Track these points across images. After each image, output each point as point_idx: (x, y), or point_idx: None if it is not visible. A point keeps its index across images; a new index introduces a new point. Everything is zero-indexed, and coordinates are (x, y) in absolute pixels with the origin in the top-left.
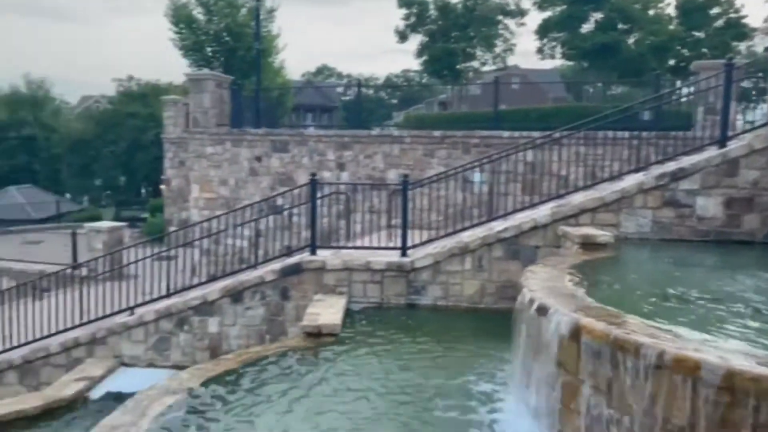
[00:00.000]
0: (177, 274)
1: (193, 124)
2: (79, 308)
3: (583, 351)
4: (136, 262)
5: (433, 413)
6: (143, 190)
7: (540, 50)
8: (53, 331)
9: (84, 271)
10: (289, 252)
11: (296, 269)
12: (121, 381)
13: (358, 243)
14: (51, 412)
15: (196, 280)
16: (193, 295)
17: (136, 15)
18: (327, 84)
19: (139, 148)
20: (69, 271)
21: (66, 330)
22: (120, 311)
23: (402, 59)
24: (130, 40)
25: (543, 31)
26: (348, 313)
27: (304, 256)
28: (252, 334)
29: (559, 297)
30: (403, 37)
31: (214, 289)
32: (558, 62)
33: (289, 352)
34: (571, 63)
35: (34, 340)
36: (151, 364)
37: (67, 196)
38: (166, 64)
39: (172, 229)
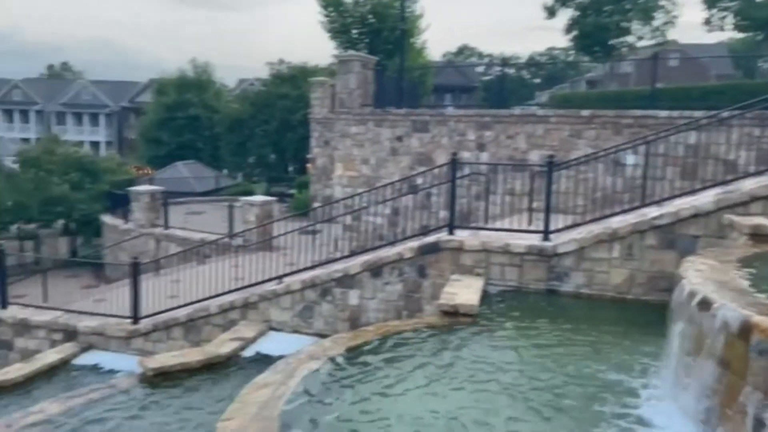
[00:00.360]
0: (321, 247)
1: (339, 105)
2: (234, 274)
3: (751, 350)
4: (284, 234)
5: (569, 401)
6: (290, 168)
7: (707, 21)
8: (212, 294)
9: (239, 241)
10: (426, 231)
11: (434, 248)
12: (269, 344)
13: (497, 225)
14: (210, 366)
15: (338, 254)
16: (336, 268)
17: (289, 2)
18: (468, 63)
19: (288, 128)
20: (226, 240)
21: (223, 294)
22: (270, 279)
23: (547, 36)
24: (282, 25)
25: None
26: (485, 295)
27: (442, 236)
28: (389, 308)
29: (725, 291)
30: (551, 12)
31: (355, 263)
32: (725, 35)
33: (426, 328)
34: (742, 35)
35: (197, 301)
36: (296, 331)
37: (224, 171)
38: (314, 47)
39: (316, 204)
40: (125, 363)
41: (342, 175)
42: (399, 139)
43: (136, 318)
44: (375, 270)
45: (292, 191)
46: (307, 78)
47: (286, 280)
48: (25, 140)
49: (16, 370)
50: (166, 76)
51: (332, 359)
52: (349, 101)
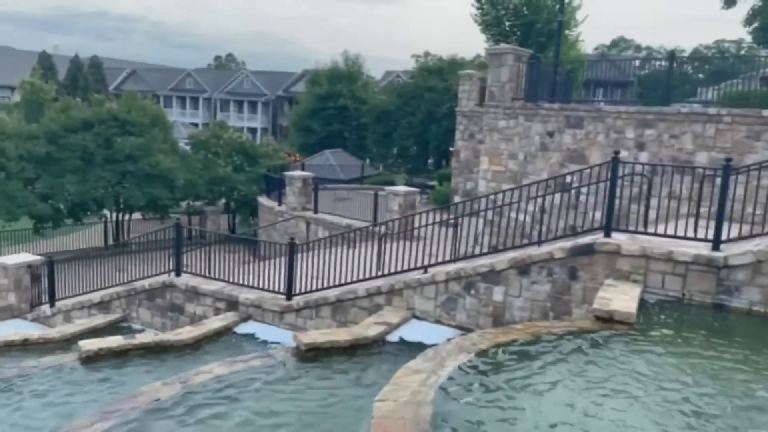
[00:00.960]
0: (461, 241)
1: (489, 98)
2: (379, 261)
3: None
4: (425, 226)
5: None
6: (431, 160)
7: None
8: (358, 278)
9: (382, 229)
10: (576, 232)
11: (588, 250)
12: (412, 331)
13: (657, 230)
14: (356, 346)
15: (477, 249)
16: (482, 263)
17: None
18: (625, 57)
19: (433, 120)
20: (370, 227)
21: (371, 279)
22: (415, 268)
23: (713, 28)
24: (430, 18)
25: None
26: (642, 303)
27: (598, 238)
28: (535, 308)
29: None
30: (729, 2)
31: (502, 260)
32: None
33: (578, 332)
34: None
35: (346, 284)
36: (438, 321)
37: (367, 161)
38: (462, 40)
39: (456, 197)
40: (278, 335)
41: (487, 169)
42: (550, 134)
43: (289, 294)
44: (522, 268)
45: (432, 183)
46: (455, 71)
47: (431, 270)
48: (194, 125)
49: (187, 333)
50: (319, 67)
51: (481, 353)
52: (499, 95)
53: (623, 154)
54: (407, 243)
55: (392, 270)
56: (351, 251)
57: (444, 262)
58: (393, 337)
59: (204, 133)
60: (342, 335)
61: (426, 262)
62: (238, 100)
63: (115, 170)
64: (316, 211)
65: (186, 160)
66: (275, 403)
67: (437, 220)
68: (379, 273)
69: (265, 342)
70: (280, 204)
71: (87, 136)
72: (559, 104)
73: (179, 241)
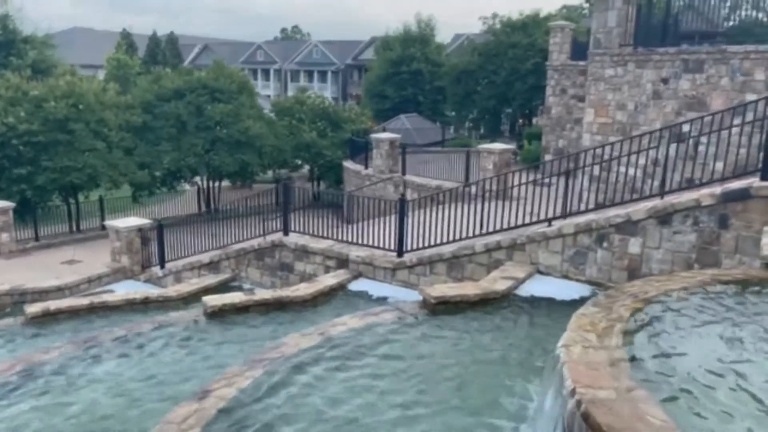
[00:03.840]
0: (569, 197)
1: (594, 45)
2: (482, 219)
3: None
4: (521, 185)
5: None
6: (505, 125)
7: None
8: (473, 233)
9: (473, 189)
10: (699, 183)
11: (742, 195)
12: (540, 286)
13: None
14: (485, 300)
15: (582, 207)
16: (616, 213)
17: None
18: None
19: (517, 78)
20: (462, 188)
21: (489, 233)
22: (538, 221)
23: None
24: None
25: None
26: None
27: (753, 182)
28: (677, 260)
29: None
30: None
31: (639, 209)
32: None
33: (747, 281)
34: None
35: (461, 239)
36: (565, 276)
37: (437, 123)
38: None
39: (548, 156)
40: (391, 292)
41: (592, 121)
42: (664, 81)
43: (400, 251)
44: (663, 217)
45: (513, 144)
46: (540, 25)
47: (557, 223)
48: (266, 96)
49: (304, 289)
50: (390, 33)
51: (652, 300)
52: (606, 41)
53: (751, 98)
54: (501, 203)
55: (511, 224)
56: (444, 211)
57: (574, 214)
58: (521, 292)
59: (288, 100)
60: (470, 289)
61: (528, 221)
62: (308, 70)
63: (207, 137)
64: (404, 173)
65: (272, 126)
66: (417, 348)
67: (530, 179)
68: (491, 229)
69: (378, 298)
70: (366, 167)
71: (179, 105)
72: (676, 48)
73: (287, 201)
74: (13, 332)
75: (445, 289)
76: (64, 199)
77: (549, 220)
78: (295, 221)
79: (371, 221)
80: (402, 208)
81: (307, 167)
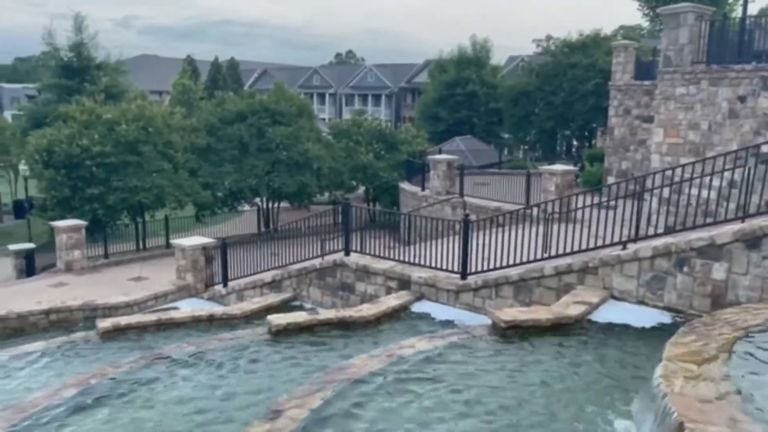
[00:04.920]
0: (625, 222)
1: (664, 64)
2: (546, 242)
3: None
4: (584, 207)
5: None
6: (575, 142)
7: None
8: (536, 257)
9: (535, 211)
10: None
11: None
12: (615, 312)
13: None
14: (558, 326)
15: (650, 231)
16: (698, 236)
17: None
18: None
19: (577, 99)
20: (524, 209)
21: (558, 256)
22: (612, 244)
23: None
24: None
25: None
26: None
27: None
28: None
29: None
30: None
31: (724, 232)
32: None
33: None
34: None
35: (527, 262)
36: (641, 302)
37: (491, 145)
38: (583, 18)
39: (610, 178)
40: (454, 315)
41: (662, 142)
42: (741, 99)
43: (464, 273)
44: (751, 241)
45: (576, 165)
46: (600, 45)
47: (632, 246)
48: (322, 120)
49: (367, 310)
50: (443, 55)
51: (753, 329)
52: (676, 59)
53: None
54: (565, 225)
55: (581, 247)
56: (505, 233)
57: (650, 237)
58: (596, 318)
59: (345, 123)
60: (542, 313)
61: (595, 245)
62: (363, 93)
63: (268, 159)
64: (461, 195)
65: (330, 148)
66: (491, 374)
67: (592, 202)
68: (557, 252)
69: (442, 321)
70: (423, 189)
71: (241, 127)
72: (754, 64)
73: (348, 221)
74: (85, 346)
75: (516, 313)
76: (131, 218)
77: (623, 243)
78: (356, 241)
79: (430, 242)
80: (466, 229)
81: (362, 189)
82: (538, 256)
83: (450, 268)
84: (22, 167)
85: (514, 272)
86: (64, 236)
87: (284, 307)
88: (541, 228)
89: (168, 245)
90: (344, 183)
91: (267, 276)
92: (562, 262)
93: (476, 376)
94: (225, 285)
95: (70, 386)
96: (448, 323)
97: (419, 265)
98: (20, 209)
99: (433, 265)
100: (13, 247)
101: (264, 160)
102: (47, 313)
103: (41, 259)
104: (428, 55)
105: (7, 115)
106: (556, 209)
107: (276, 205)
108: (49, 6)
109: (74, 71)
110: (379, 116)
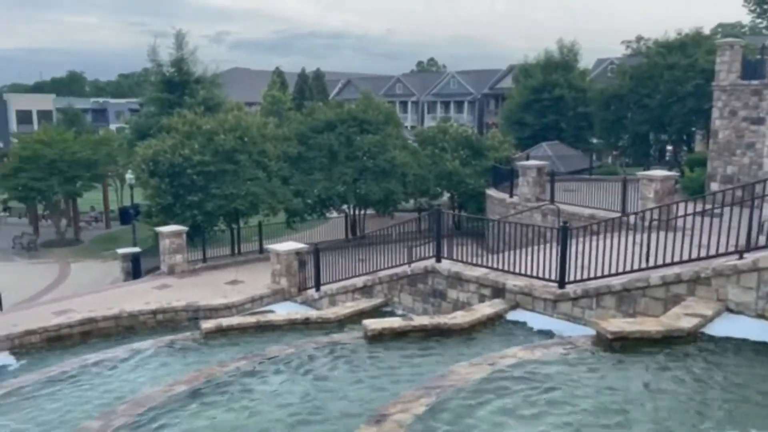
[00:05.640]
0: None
1: None
2: (648, 250)
3: None
4: (688, 215)
5: None
6: (669, 146)
7: None
8: (641, 266)
9: (632, 219)
10: None
11: None
12: (730, 326)
13: None
14: (668, 339)
15: (762, 240)
16: None
17: None
18: None
19: (675, 101)
20: (621, 217)
21: (664, 265)
22: (727, 253)
23: None
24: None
25: None
26: None
27: None
28: None
29: None
30: None
31: None
32: None
33: None
34: None
35: (630, 271)
36: (761, 316)
37: (580, 151)
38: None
39: (714, 185)
40: (552, 324)
41: None
42: None
43: (562, 282)
44: None
45: (676, 170)
46: (700, 45)
47: (749, 255)
48: (404, 127)
49: (461, 317)
50: (528, 60)
51: None
52: None
53: None
54: (665, 234)
55: (689, 257)
56: (618, 239)
57: (757, 248)
58: (710, 331)
59: (431, 130)
60: (651, 325)
61: (697, 255)
62: (445, 100)
63: (356, 167)
64: (552, 201)
65: (416, 156)
66: (605, 391)
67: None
68: (661, 262)
69: (539, 331)
70: (511, 195)
71: (331, 136)
72: None
73: (439, 227)
74: (191, 345)
75: (622, 324)
76: (227, 224)
77: (739, 253)
78: (447, 248)
79: (522, 250)
80: (564, 236)
81: (446, 196)
82: (639, 266)
83: (547, 276)
84: (129, 176)
85: (616, 281)
86: (167, 241)
87: (376, 312)
88: (639, 236)
89: (261, 250)
90: (429, 190)
91: (358, 281)
92: (670, 271)
93: (585, 388)
94: (317, 289)
95: (181, 383)
96: (546, 333)
97: (513, 272)
98: (126, 216)
99: (529, 273)
100: (121, 250)
101: (352, 168)
102: (155, 312)
103: (145, 263)
104: (512, 60)
105: (113, 128)
106: (656, 216)
107: (362, 212)
108: (151, 26)
109: (175, 85)
110: (462, 123)
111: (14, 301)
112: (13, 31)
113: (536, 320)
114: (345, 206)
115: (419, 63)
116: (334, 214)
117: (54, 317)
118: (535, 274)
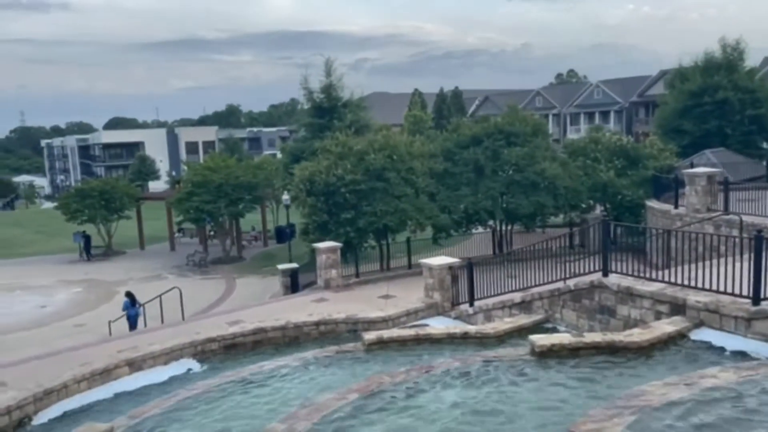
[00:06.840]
0: None
1: None
2: None
3: None
4: None
5: None
6: None
7: None
8: None
9: None
10: None
11: None
12: None
13: None
14: None
15: None
16: None
17: None
18: None
19: None
20: None
21: None
22: None
23: None
24: None
25: None
26: None
27: None
28: None
29: None
30: None
31: None
32: None
33: None
34: None
35: None
36: None
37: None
38: None
39: None
40: (750, 346)
41: None
42: None
43: (757, 298)
44: None
45: None
46: None
47: None
48: None
49: (638, 335)
50: (683, 63)
51: None
52: None
53: None
54: None
55: None
56: None
57: None
58: None
59: (581, 140)
60: None
61: None
62: (588, 111)
63: (502, 180)
64: (726, 212)
65: (566, 167)
66: None
67: None
68: None
69: (732, 352)
70: (676, 206)
71: (477, 151)
72: None
73: (606, 240)
74: (355, 355)
75: None
76: (376, 240)
77: None
78: (614, 262)
79: (699, 264)
80: (759, 247)
81: (599, 209)
82: None
83: (736, 291)
84: (284, 197)
85: None
86: (323, 256)
87: (536, 328)
88: None
89: (410, 266)
90: (582, 203)
91: (516, 296)
92: None
93: None
94: (471, 304)
95: (353, 390)
96: (741, 354)
97: (694, 287)
98: (281, 234)
99: (713, 288)
100: (281, 266)
101: (499, 182)
102: (317, 324)
103: (302, 278)
104: (661, 65)
105: (266, 153)
106: None
107: (509, 227)
108: (296, 59)
109: (324, 110)
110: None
111: (192, 312)
112: (182, 71)
113: (726, 340)
114: (491, 221)
115: (558, 75)
116: (480, 229)
117: (229, 327)
118: (722, 289)
